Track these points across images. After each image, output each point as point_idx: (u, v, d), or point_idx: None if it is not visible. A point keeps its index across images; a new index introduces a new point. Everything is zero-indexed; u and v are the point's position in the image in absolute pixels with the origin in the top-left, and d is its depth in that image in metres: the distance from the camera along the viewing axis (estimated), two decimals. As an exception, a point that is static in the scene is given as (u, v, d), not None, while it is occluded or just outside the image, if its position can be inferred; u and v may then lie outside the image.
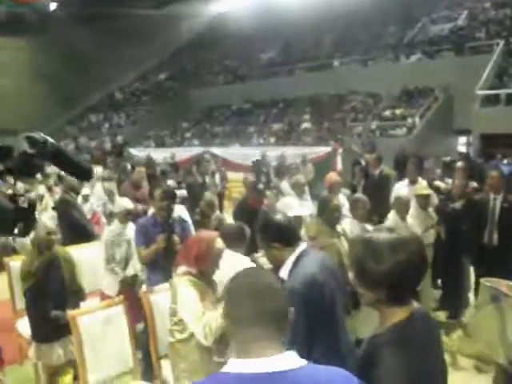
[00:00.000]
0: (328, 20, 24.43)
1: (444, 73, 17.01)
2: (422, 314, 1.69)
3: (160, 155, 15.80)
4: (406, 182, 6.80)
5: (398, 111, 17.95)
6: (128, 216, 4.72)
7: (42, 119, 25.99)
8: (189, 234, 4.71)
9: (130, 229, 4.69)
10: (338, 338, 2.40)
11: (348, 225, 4.74)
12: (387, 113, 18.31)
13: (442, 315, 5.76)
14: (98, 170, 14.39)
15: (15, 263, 4.46)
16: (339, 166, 14.74)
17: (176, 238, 4.40)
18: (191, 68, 31.09)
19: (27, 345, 4.36)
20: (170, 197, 4.65)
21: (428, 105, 17.49)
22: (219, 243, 2.92)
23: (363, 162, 13.10)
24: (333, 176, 6.79)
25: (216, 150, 18.36)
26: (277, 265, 2.45)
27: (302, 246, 2.47)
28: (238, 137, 21.80)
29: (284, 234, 2.43)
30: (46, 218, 5.05)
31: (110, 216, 8.27)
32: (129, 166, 15.30)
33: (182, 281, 2.78)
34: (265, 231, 2.48)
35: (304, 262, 2.39)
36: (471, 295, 5.72)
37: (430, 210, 5.72)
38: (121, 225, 4.67)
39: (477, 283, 5.16)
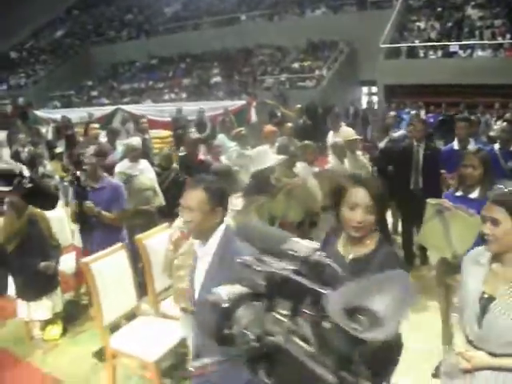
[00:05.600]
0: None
1: (348, 26, 17.92)
2: None
3: (75, 115, 15.43)
4: None
5: (305, 63, 18.71)
6: (138, 154, 5.51)
7: None
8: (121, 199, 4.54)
9: (141, 164, 5.44)
10: None
11: (299, 167, 5.46)
12: (296, 65, 19.02)
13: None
14: (1, 134, 13.72)
15: None
16: (253, 118, 15.36)
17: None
18: (91, 24, 29.78)
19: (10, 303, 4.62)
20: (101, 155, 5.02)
21: (334, 57, 18.38)
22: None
23: (279, 114, 13.84)
24: (269, 127, 7.52)
25: (129, 107, 18.16)
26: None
27: None
28: (148, 93, 21.62)
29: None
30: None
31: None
32: (43, 129, 14.86)
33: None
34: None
35: None
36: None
37: (359, 153, 6.46)
38: (131, 163, 5.37)
39: (402, 222, 5.99)
